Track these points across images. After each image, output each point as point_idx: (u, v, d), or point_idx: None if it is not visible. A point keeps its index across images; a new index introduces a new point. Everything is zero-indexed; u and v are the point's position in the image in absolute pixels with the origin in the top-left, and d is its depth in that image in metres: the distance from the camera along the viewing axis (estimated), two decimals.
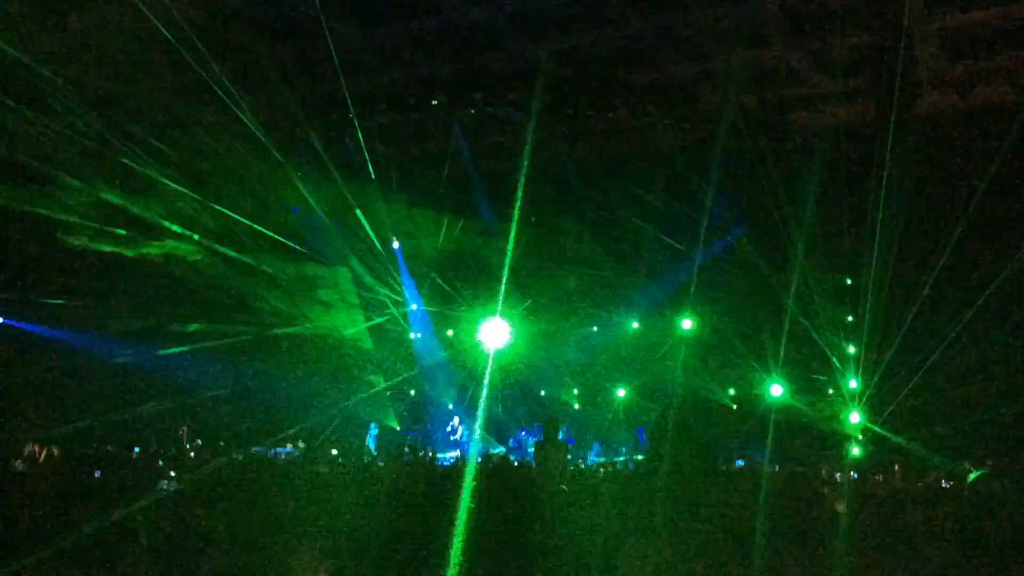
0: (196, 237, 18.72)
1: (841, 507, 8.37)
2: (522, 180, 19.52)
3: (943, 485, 11.89)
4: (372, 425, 21.75)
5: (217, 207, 18.11)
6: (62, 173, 16.45)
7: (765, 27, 15.01)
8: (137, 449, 14.57)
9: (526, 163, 19.59)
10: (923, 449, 14.30)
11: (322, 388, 21.34)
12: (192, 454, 17.41)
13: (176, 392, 19.65)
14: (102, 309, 19.17)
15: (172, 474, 10.51)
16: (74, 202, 17.29)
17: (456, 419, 21.21)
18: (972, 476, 8.42)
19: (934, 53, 15.37)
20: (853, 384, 15.99)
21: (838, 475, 13.97)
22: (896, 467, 13.67)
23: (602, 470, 15.77)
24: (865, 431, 15.46)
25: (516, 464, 14.91)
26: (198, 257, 19.05)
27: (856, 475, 13.64)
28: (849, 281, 16.22)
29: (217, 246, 18.88)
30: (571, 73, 17.32)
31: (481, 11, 15.14)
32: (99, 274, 18.51)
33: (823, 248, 15.89)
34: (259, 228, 18.72)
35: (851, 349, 16.04)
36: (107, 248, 18.09)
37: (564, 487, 7.60)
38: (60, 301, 18.54)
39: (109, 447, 16.70)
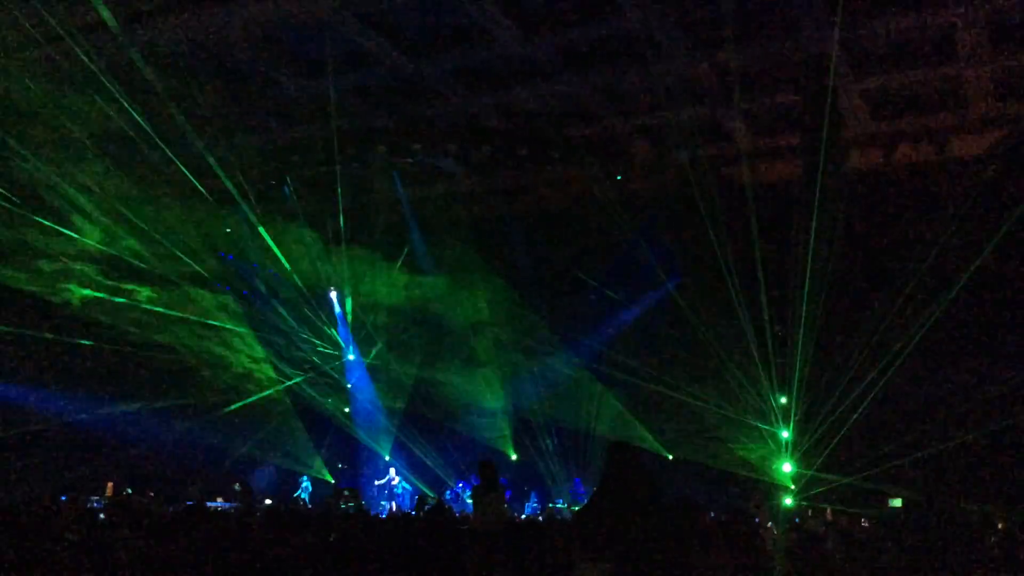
0: (122, 284, 18.46)
1: (770, 547, 8.49)
2: (461, 231, 19.71)
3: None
4: (304, 478, 21.38)
5: (146, 253, 17.90)
6: None
7: (697, 86, 15.45)
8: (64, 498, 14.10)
9: (465, 215, 19.78)
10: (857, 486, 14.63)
11: (252, 440, 21.03)
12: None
13: (101, 444, 19.16)
14: (21, 361, 18.67)
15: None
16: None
17: (392, 470, 20.95)
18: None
19: (859, 113, 15.97)
20: (785, 434, 16.23)
21: (770, 524, 14.10)
22: (828, 511, 13.88)
23: (540, 518, 15.71)
24: (797, 479, 15.68)
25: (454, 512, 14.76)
26: (123, 302, 18.73)
27: (787, 523, 13.79)
28: (780, 332, 16.50)
29: (143, 290, 18.63)
30: (509, 126, 17.59)
31: (421, 63, 15.31)
32: (21, 324, 18.03)
33: (755, 299, 16.18)
34: (193, 272, 18.52)
35: (783, 400, 16.31)
36: (28, 291, 17.76)
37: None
38: None
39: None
